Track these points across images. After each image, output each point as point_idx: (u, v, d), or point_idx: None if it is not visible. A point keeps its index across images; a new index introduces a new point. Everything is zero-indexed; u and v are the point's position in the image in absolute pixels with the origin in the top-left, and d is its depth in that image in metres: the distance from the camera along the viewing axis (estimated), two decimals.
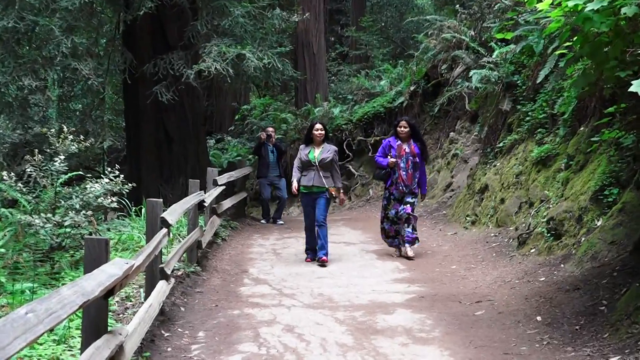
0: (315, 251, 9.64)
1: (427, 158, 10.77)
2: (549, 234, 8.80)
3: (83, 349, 4.34)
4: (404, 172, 9.88)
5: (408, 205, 9.88)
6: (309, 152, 9.58)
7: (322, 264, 9.35)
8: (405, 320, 6.80)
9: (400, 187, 9.90)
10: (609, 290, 6.63)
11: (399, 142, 10.01)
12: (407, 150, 9.93)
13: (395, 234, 10.06)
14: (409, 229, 9.85)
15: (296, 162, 9.73)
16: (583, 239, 8.13)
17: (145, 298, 6.62)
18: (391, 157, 9.91)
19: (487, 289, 7.96)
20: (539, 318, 6.60)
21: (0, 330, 2.59)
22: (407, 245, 9.83)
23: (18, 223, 9.66)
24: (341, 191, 9.96)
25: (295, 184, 9.54)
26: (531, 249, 9.03)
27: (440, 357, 5.69)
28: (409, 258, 9.72)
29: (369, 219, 14.19)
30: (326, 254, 9.47)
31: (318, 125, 9.84)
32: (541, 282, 7.70)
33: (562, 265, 7.96)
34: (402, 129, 10.01)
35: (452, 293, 7.89)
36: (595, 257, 7.54)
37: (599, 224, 8.04)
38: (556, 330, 6.19)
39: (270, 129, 14.69)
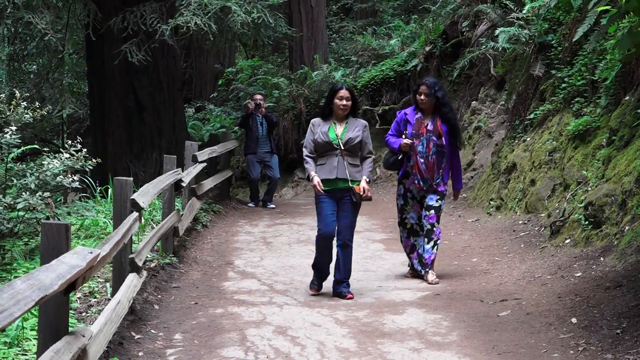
0: (324, 276, 7.77)
1: (461, 140, 8.91)
2: (586, 222, 8.82)
3: (40, 352, 4.37)
4: (422, 160, 8.04)
5: (432, 212, 8.13)
6: (328, 130, 7.57)
7: (345, 298, 7.50)
8: (418, 321, 6.83)
9: (417, 182, 8.11)
10: None
11: (419, 114, 8.17)
12: (430, 127, 8.09)
13: (411, 250, 8.36)
14: (429, 246, 8.13)
15: (308, 145, 7.65)
16: (627, 227, 8.15)
17: (113, 294, 6.64)
18: (406, 137, 8.09)
19: (513, 285, 7.99)
20: (574, 320, 6.62)
21: None
22: (428, 271, 8.14)
23: None
24: (367, 180, 7.65)
25: (317, 180, 7.47)
26: (566, 239, 9.05)
27: None
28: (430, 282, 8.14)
29: (375, 202, 14.12)
30: (349, 287, 7.62)
31: (344, 92, 7.59)
32: (577, 278, 7.73)
33: (601, 259, 7.99)
34: (422, 97, 8.11)
35: (473, 290, 7.92)
36: None
37: None
38: (594, 334, 6.22)
39: (259, 97, 14.62)
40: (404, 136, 8.10)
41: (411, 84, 16.08)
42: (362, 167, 7.63)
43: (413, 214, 8.26)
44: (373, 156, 7.80)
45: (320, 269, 7.68)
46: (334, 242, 7.64)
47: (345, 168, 7.48)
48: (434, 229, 8.11)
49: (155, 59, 13.28)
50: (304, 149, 7.71)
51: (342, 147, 7.50)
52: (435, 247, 8.16)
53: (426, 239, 8.12)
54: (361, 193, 7.46)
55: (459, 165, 8.49)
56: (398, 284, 8.11)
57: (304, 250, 9.90)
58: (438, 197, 8.12)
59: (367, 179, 7.57)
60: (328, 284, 7.82)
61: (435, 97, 8.07)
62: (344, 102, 7.52)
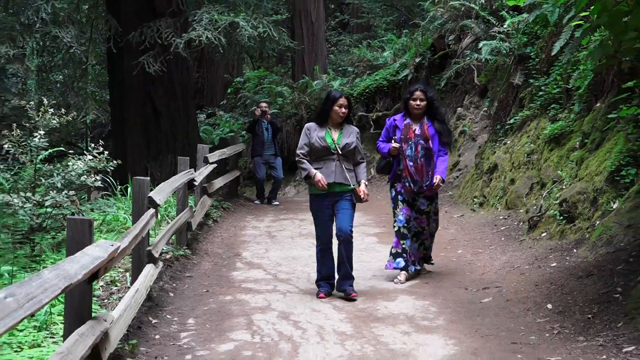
0: (331, 282, 7.25)
1: (450, 143, 8.14)
2: (561, 217, 8.82)
3: (66, 335, 4.37)
4: (412, 163, 7.60)
5: (423, 217, 7.80)
6: (325, 135, 7.06)
7: (351, 299, 7.00)
8: (408, 307, 6.84)
9: (407, 184, 7.64)
10: (625, 276, 6.66)
11: (408, 120, 7.73)
12: (418, 131, 7.65)
13: (403, 251, 7.76)
14: (416, 245, 7.82)
15: (302, 149, 7.11)
16: (598, 222, 8.15)
17: (132, 283, 6.65)
18: (395, 142, 7.66)
19: (494, 275, 7.99)
20: (549, 306, 6.63)
21: None
22: (401, 273, 7.70)
23: None
24: (365, 184, 7.26)
25: (319, 176, 6.93)
26: (542, 232, 9.05)
27: (445, 346, 5.73)
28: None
29: (370, 199, 14.20)
30: (353, 285, 7.15)
31: (343, 100, 7.09)
32: (552, 268, 7.73)
33: (574, 250, 7.99)
34: (418, 102, 7.65)
35: (458, 279, 7.93)
36: (610, 242, 7.56)
37: (614, 206, 8.06)
38: (567, 318, 6.22)
39: (264, 104, 14.63)
40: (393, 141, 7.71)
41: (403, 92, 16.10)
42: (358, 171, 7.20)
43: (401, 217, 7.69)
44: (364, 161, 7.37)
45: (324, 275, 7.17)
46: (334, 242, 7.18)
47: (343, 172, 7.02)
48: (425, 232, 7.83)
49: (170, 69, 13.28)
50: (298, 151, 7.11)
51: (340, 152, 7.04)
52: (422, 247, 7.88)
53: (414, 239, 7.75)
54: (361, 195, 7.09)
55: (445, 164, 7.81)
56: (391, 273, 8.09)
57: (306, 243, 9.90)
58: (428, 202, 7.76)
59: (365, 182, 7.20)
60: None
61: (429, 99, 7.69)
62: (343, 109, 7.06)
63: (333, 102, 7.07)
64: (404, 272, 7.64)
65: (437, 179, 7.61)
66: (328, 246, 7.10)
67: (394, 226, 7.81)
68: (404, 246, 7.67)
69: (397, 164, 7.72)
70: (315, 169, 7.04)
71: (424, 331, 6.11)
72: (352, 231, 7.05)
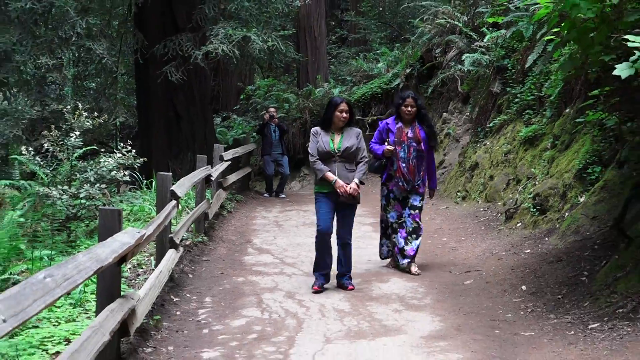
0: (327, 275, 6.82)
1: (437, 145, 7.95)
2: (534, 209, 8.81)
3: (98, 311, 4.38)
4: (404, 164, 7.26)
5: (417, 212, 7.39)
6: (329, 140, 6.68)
7: (348, 290, 6.70)
8: (399, 288, 6.84)
9: (401, 183, 7.31)
10: (590, 262, 6.66)
11: (400, 124, 7.37)
12: (410, 134, 7.31)
13: (384, 243, 7.67)
14: (417, 241, 7.41)
15: (313, 151, 6.69)
16: (567, 214, 8.15)
17: (156, 265, 6.66)
18: (389, 144, 7.33)
19: (475, 260, 7.99)
20: (524, 287, 6.63)
21: (21, 293, 2.61)
22: (411, 262, 7.41)
23: (37, 194, 9.69)
24: (357, 182, 6.70)
25: (340, 182, 6.56)
26: (518, 223, 9.05)
27: (431, 322, 5.72)
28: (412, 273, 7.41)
29: (365, 194, 14.15)
30: (351, 279, 6.83)
31: (344, 106, 6.69)
32: (526, 254, 7.73)
33: (546, 239, 7.99)
34: (409, 109, 7.32)
35: (443, 264, 7.93)
36: (577, 231, 7.56)
37: (582, 200, 8.05)
38: (540, 298, 6.22)
39: (272, 109, 14.69)
40: (386, 143, 7.34)
41: (393, 99, 16.08)
42: (356, 170, 6.74)
43: (393, 213, 7.43)
44: (367, 159, 6.84)
45: (321, 268, 6.75)
46: (334, 242, 6.83)
47: (343, 172, 6.61)
48: (420, 226, 7.41)
49: (190, 78, 13.25)
50: (311, 156, 6.68)
51: (339, 155, 6.64)
52: (419, 241, 7.43)
53: (414, 235, 7.34)
54: (347, 190, 6.53)
55: (433, 169, 7.59)
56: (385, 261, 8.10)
57: (309, 232, 9.88)
58: (420, 198, 7.37)
59: (358, 181, 6.66)
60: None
61: (418, 106, 7.37)
62: (344, 114, 6.65)
63: (335, 107, 6.70)
64: (410, 263, 7.34)
65: (432, 191, 7.65)
66: (326, 238, 6.66)
67: (382, 221, 7.61)
68: (394, 240, 7.44)
69: (391, 165, 7.37)
70: None
71: (413, 309, 6.12)
72: (350, 238, 6.80)
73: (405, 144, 7.31)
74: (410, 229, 7.34)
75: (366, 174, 6.83)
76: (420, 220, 7.41)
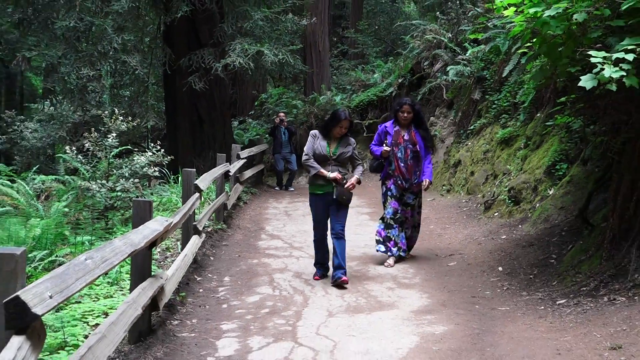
0: (325, 266, 6.53)
1: (433, 147, 7.13)
2: (509, 201, 8.80)
3: (131, 289, 4.39)
4: (403, 164, 6.95)
5: (408, 210, 7.12)
6: (326, 145, 6.30)
7: (342, 284, 6.13)
8: (392, 269, 6.83)
9: (399, 182, 6.98)
10: (558, 246, 6.65)
11: (397, 127, 7.06)
12: (406, 137, 6.99)
13: (386, 239, 7.08)
14: (403, 234, 7.11)
15: (308, 151, 6.32)
16: (537, 205, 8.14)
17: (182, 249, 6.67)
18: (386, 146, 7.01)
19: (458, 244, 7.99)
20: (500, 268, 6.62)
21: (65, 273, 2.62)
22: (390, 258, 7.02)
23: (79, 188, 9.73)
24: (357, 179, 6.34)
25: (334, 174, 6.20)
26: (495, 212, 9.03)
27: (420, 299, 5.73)
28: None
29: (363, 187, 14.15)
30: (345, 273, 6.20)
31: (345, 123, 6.26)
32: (502, 239, 7.72)
33: (520, 226, 7.97)
34: (405, 114, 6.99)
35: (430, 248, 7.92)
36: (547, 220, 7.55)
37: (550, 193, 8.04)
38: (514, 278, 6.22)
39: (282, 114, 14.71)
40: (384, 145, 7.03)
41: (389, 105, 16.03)
42: (355, 171, 6.40)
43: (390, 209, 7.03)
44: (361, 163, 6.48)
45: (322, 263, 6.47)
46: (329, 235, 6.38)
47: (336, 173, 6.21)
48: (408, 220, 7.11)
49: (211, 87, 13.22)
50: (305, 155, 6.29)
51: (334, 159, 6.26)
52: (406, 235, 7.11)
53: (400, 228, 7.06)
54: (342, 181, 6.17)
55: (430, 167, 7.14)
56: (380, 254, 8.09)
57: None
58: (414, 196, 7.06)
59: (357, 177, 6.31)
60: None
61: (415, 112, 7.02)
62: (343, 129, 6.23)
63: (337, 122, 6.23)
64: (392, 257, 7.00)
65: (426, 182, 7.07)
66: (323, 237, 6.37)
67: (383, 217, 7.17)
68: (388, 234, 7.02)
69: (389, 165, 7.03)
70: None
71: (404, 287, 6.12)
72: (344, 231, 6.27)
73: (402, 146, 6.99)
74: (399, 221, 7.04)
75: (363, 174, 6.50)
76: (410, 217, 7.12)
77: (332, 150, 6.28)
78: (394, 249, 7.02)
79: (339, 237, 6.22)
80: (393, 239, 7.02)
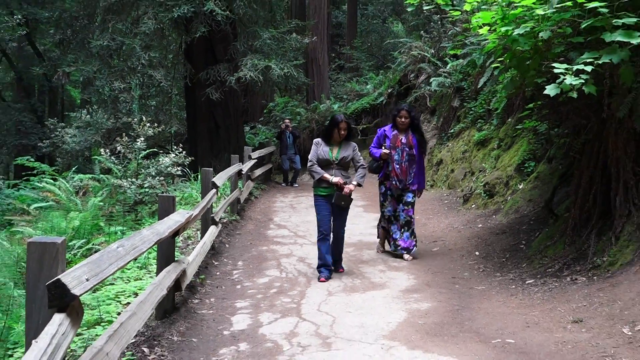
0: (330, 268, 5.87)
1: (425, 151, 6.98)
2: (485, 194, 8.79)
3: (158, 272, 4.39)
4: (398, 165, 6.52)
5: (410, 208, 6.58)
6: (328, 150, 5.88)
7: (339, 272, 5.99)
8: (383, 254, 6.82)
9: (394, 182, 6.55)
10: (527, 234, 6.64)
11: (395, 131, 6.61)
12: (404, 140, 6.55)
13: (385, 235, 6.84)
14: (407, 233, 6.60)
15: (312, 158, 5.89)
16: (509, 198, 8.13)
17: (201, 237, 6.67)
18: (385, 148, 6.59)
19: (441, 232, 7.98)
20: (477, 253, 6.62)
21: (100, 259, 2.62)
22: (404, 254, 6.56)
23: (112, 185, 9.72)
24: (354, 184, 5.89)
25: (336, 179, 5.78)
26: (472, 204, 9.03)
27: (407, 279, 5.72)
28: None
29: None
30: (341, 264, 6.10)
31: (343, 125, 5.85)
32: (479, 228, 7.72)
33: (494, 216, 7.97)
34: (403, 119, 6.54)
35: (416, 235, 7.90)
36: (517, 211, 7.54)
37: (520, 187, 8.03)
38: (489, 261, 6.21)
39: (288, 120, 14.70)
40: (383, 147, 6.61)
41: (380, 112, 16.01)
42: (357, 174, 5.92)
43: (390, 207, 6.63)
44: (364, 166, 6.00)
45: (324, 262, 5.82)
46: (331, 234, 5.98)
47: (341, 177, 5.83)
48: (412, 219, 6.63)
49: (226, 97, 13.20)
50: (310, 161, 5.90)
51: (337, 163, 5.85)
52: (413, 235, 6.63)
53: (406, 227, 6.58)
54: (345, 186, 5.78)
55: (423, 172, 6.74)
56: (371, 232, 8.07)
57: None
58: (412, 195, 6.58)
59: (355, 183, 5.87)
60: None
61: (412, 118, 6.59)
62: (342, 131, 5.83)
63: (336, 125, 5.85)
64: (404, 254, 6.53)
65: (419, 193, 6.68)
66: (326, 236, 5.84)
67: (383, 213, 6.75)
68: (390, 231, 6.66)
69: (387, 166, 6.60)
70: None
71: (394, 270, 6.11)
72: (344, 232, 6.01)
73: (399, 149, 6.54)
74: (403, 222, 6.56)
75: (365, 177, 6.06)
76: (412, 215, 6.62)
77: (335, 155, 5.87)
78: (391, 246, 6.66)
79: (339, 237, 5.95)
80: (392, 234, 6.63)
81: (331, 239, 5.95)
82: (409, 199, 6.55)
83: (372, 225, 8.66)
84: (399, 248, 6.59)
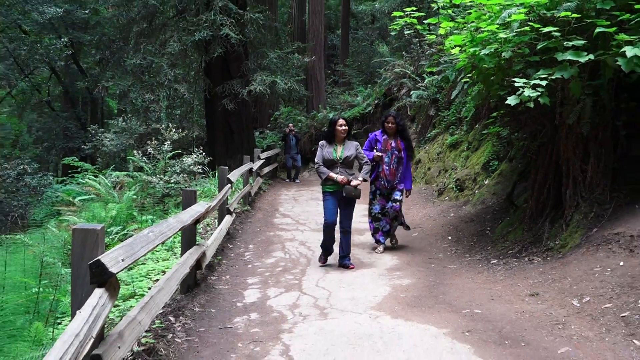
0: (330, 251, 5.60)
1: (413, 156, 6.43)
2: (456, 188, 8.78)
3: (182, 254, 4.38)
4: (387, 167, 6.11)
5: (397, 204, 6.11)
6: (332, 151, 5.42)
7: (348, 267, 5.42)
8: (370, 239, 6.81)
9: (383, 182, 6.14)
10: (491, 221, 6.64)
11: (385, 136, 6.20)
12: (393, 144, 6.15)
13: (375, 231, 6.30)
14: (396, 224, 6.28)
15: (318, 159, 5.45)
16: (476, 191, 8.12)
17: (218, 224, 6.65)
18: (377, 151, 6.16)
19: (419, 220, 7.97)
20: (449, 237, 6.61)
21: (133, 242, 2.61)
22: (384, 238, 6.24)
23: (143, 181, 9.68)
24: (360, 179, 5.39)
25: (340, 177, 5.32)
26: (445, 197, 9.02)
27: (391, 260, 5.72)
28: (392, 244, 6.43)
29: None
30: (350, 260, 5.50)
31: (341, 121, 5.44)
32: (451, 217, 7.71)
33: (464, 207, 7.96)
34: (390, 124, 6.14)
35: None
36: (483, 202, 7.54)
37: (486, 182, 8.03)
38: (459, 244, 6.21)
39: (291, 126, 14.68)
40: (375, 150, 6.15)
41: (368, 119, 15.96)
42: (362, 171, 5.47)
43: (377, 206, 6.22)
44: (368, 163, 5.53)
45: (326, 247, 5.54)
46: (337, 229, 5.59)
47: (344, 174, 5.35)
48: (399, 216, 6.22)
49: (239, 107, 13.16)
50: (316, 163, 5.46)
51: (341, 162, 5.38)
52: (399, 224, 6.31)
53: (396, 222, 6.24)
54: (351, 182, 5.33)
55: (409, 173, 6.23)
56: (360, 220, 8.02)
57: (315, 203, 9.88)
58: (400, 193, 6.13)
59: (361, 179, 5.39)
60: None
61: (398, 124, 6.14)
62: (343, 127, 5.40)
63: (335, 124, 5.45)
64: (382, 245, 6.22)
65: (405, 192, 6.22)
66: (331, 228, 5.43)
67: (370, 212, 6.30)
68: (377, 226, 6.26)
69: (378, 168, 6.18)
70: None
71: (379, 252, 6.09)
72: (350, 227, 5.49)
73: (389, 152, 6.13)
74: (392, 217, 6.18)
75: (369, 173, 5.59)
76: (400, 210, 6.18)
77: (339, 154, 5.41)
78: (382, 238, 6.25)
79: (346, 232, 5.47)
80: (380, 229, 6.26)
81: (338, 237, 5.63)
82: (397, 197, 6.17)
83: (363, 214, 8.64)
84: (388, 238, 6.33)
